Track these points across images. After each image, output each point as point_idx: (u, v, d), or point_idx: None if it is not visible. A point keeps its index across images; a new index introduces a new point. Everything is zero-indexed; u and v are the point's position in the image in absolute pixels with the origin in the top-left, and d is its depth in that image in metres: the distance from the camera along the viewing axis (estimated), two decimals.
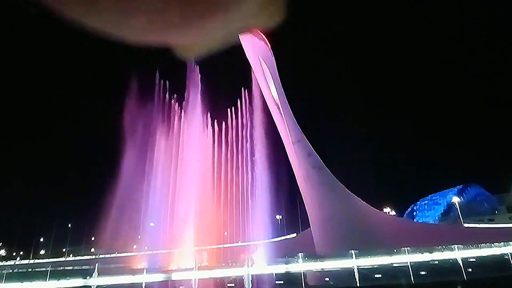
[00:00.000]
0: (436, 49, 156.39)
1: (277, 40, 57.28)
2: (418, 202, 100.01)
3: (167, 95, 54.25)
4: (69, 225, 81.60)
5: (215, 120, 56.65)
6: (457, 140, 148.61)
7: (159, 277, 15.18)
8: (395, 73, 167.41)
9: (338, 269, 16.10)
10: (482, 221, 72.42)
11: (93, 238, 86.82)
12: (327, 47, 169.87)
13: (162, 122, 52.24)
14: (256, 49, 55.61)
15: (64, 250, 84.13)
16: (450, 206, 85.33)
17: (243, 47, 57.21)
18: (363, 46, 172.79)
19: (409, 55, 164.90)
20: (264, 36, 55.87)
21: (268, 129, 53.19)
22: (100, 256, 68.84)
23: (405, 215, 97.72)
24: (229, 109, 58.08)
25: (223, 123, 57.40)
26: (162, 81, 54.43)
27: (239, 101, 56.72)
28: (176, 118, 53.01)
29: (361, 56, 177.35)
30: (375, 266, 16.37)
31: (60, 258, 74.93)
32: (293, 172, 52.82)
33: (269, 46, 55.91)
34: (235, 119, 56.91)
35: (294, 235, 63.40)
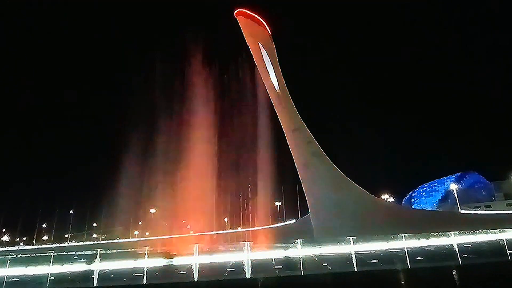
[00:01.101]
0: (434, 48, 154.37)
1: (279, 33, 55.16)
2: (417, 189, 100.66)
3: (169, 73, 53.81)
4: (71, 211, 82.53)
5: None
6: (456, 128, 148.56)
7: (160, 262, 15.46)
8: (394, 62, 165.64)
9: (336, 254, 16.40)
10: (479, 208, 73.26)
11: (94, 224, 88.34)
12: (329, 44, 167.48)
13: (163, 104, 51.87)
14: (257, 36, 54.44)
15: (66, 235, 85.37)
16: (448, 193, 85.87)
17: (243, 33, 56.11)
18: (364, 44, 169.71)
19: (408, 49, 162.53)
20: (264, 22, 54.65)
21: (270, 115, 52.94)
22: (102, 241, 70.02)
23: (403, 201, 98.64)
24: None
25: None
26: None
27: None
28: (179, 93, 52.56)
29: (359, 50, 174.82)
30: (372, 252, 16.68)
31: (63, 244, 76.11)
32: (293, 159, 52.97)
33: (270, 32, 54.69)
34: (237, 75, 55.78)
35: (294, 221, 64.22)
